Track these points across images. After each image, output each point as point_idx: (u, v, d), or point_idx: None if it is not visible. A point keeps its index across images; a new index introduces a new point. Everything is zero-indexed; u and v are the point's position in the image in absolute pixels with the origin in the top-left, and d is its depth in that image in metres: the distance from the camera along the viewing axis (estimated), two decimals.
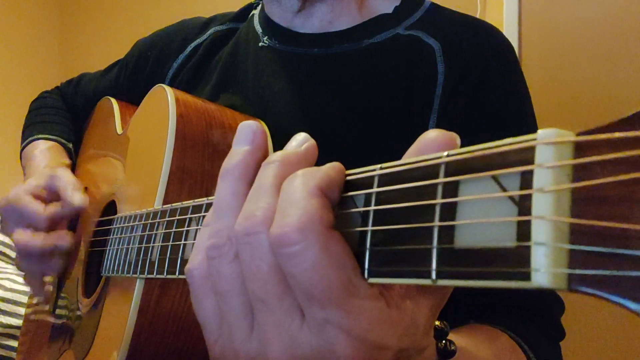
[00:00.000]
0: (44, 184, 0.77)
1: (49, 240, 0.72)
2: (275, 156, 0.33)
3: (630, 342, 1.40)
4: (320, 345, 0.30)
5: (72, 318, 0.77)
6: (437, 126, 0.68)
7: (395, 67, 0.72)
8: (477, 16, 0.79)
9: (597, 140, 0.22)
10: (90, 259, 0.77)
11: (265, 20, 0.82)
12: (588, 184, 0.22)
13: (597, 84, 1.54)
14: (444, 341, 0.39)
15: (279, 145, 0.63)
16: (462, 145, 0.28)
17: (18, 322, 1.44)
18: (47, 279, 0.76)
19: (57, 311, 0.83)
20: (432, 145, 0.30)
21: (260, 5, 0.86)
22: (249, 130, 0.36)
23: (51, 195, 0.76)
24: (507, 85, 0.72)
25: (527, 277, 0.22)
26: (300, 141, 0.34)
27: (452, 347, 0.39)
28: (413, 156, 0.29)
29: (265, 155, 0.35)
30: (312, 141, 0.34)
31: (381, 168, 0.30)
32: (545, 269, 0.22)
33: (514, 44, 1.66)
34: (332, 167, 0.32)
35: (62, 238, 0.72)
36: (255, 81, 0.77)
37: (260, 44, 0.80)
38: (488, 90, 0.70)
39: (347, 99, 0.72)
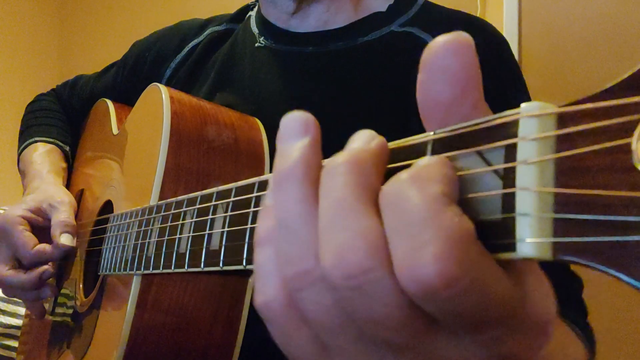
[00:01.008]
0: (43, 208, 0.78)
1: (31, 283, 0.74)
2: (342, 157, 0.26)
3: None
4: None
5: (71, 318, 0.77)
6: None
7: (390, 64, 0.72)
8: (477, 16, 0.80)
9: (579, 110, 0.22)
10: (89, 258, 0.77)
11: (262, 21, 0.83)
12: (570, 153, 0.22)
13: (597, 83, 1.53)
14: None
15: (274, 143, 0.64)
16: None
17: (18, 322, 1.45)
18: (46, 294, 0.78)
19: (57, 310, 0.83)
20: (443, 50, 0.25)
21: (257, 7, 0.87)
22: (299, 121, 0.28)
23: (45, 222, 0.78)
24: (502, 76, 0.72)
25: (512, 248, 0.23)
26: (368, 137, 0.27)
27: None
28: (428, 79, 0.26)
29: (321, 151, 0.28)
30: (381, 138, 0.27)
31: None
32: (530, 238, 0.22)
33: (514, 44, 1.67)
34: (443, 163, 0.24)
35: (45, 290, 0.76)
36: (251, 80, 0.78)
37: (256, 44, 0.81)
38: (484, 82, 0.70)
39: (343, 97, 0.72)
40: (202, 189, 0.46)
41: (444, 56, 0.25)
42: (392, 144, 0.29)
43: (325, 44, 0.76)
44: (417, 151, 0.27)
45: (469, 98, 0.25)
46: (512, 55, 0.76)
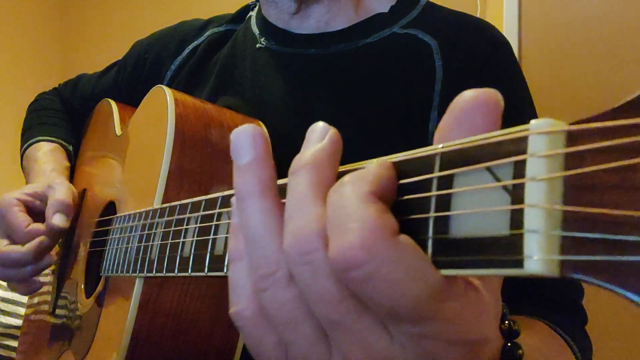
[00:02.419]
0: (41, 192, 0.78)
1: (30, 254, 0.73)
2: (304, 159, 0.29)
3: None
4: (419, 358, 0.28)
5: (72, 318, 0.77)
6: (439, 123, 0.68)
7: (392, 66, 0.72)
8: (477, 16, 0.80)
9: (589, 129, 0.22)
10: (90, 259, 0.77)
11: (263, 21, 0.82)
12: (580, 172, 0.22)
13: (597, 83, 1.54)
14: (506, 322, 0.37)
15: (276, 146, 0.63)
16: None
17: (18, 322, 1.45)
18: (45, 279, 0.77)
19: (57, 311, 0.83)
20: (472, 106, 0.27)
21: (257, 7, 0.87)
22: (246, 138, 0.31)
23: (43, 205, 0.77)
24: (505, 77, 0.72)
25: (520, 264, 0.23)
26: (321, 132, 0.30)
27: (516, 327, 0.37)
28: (449, 127, 0.28)
29: (271, 159, 0.31)
30: (333, 130, 0.30)
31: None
32: (537, 256, 0.22)
33: (514, 44, 1.67)
34: (381, 166, 0.28)
35: (45, 260, 0.74)
36: (252, 83, 0.78)
37: (257, 45, 0.80)
38: (487, 83, 0.70)
39: (345, 99, 0.72)
40: (206, 192, 0.46)
41: (471, 110, 0.27)
42: (401, 156, 0.29)
43: (326, 46, 0.76)
44: (425, 164, 0.28)
45: None
46: (514, 56, 0.76)
